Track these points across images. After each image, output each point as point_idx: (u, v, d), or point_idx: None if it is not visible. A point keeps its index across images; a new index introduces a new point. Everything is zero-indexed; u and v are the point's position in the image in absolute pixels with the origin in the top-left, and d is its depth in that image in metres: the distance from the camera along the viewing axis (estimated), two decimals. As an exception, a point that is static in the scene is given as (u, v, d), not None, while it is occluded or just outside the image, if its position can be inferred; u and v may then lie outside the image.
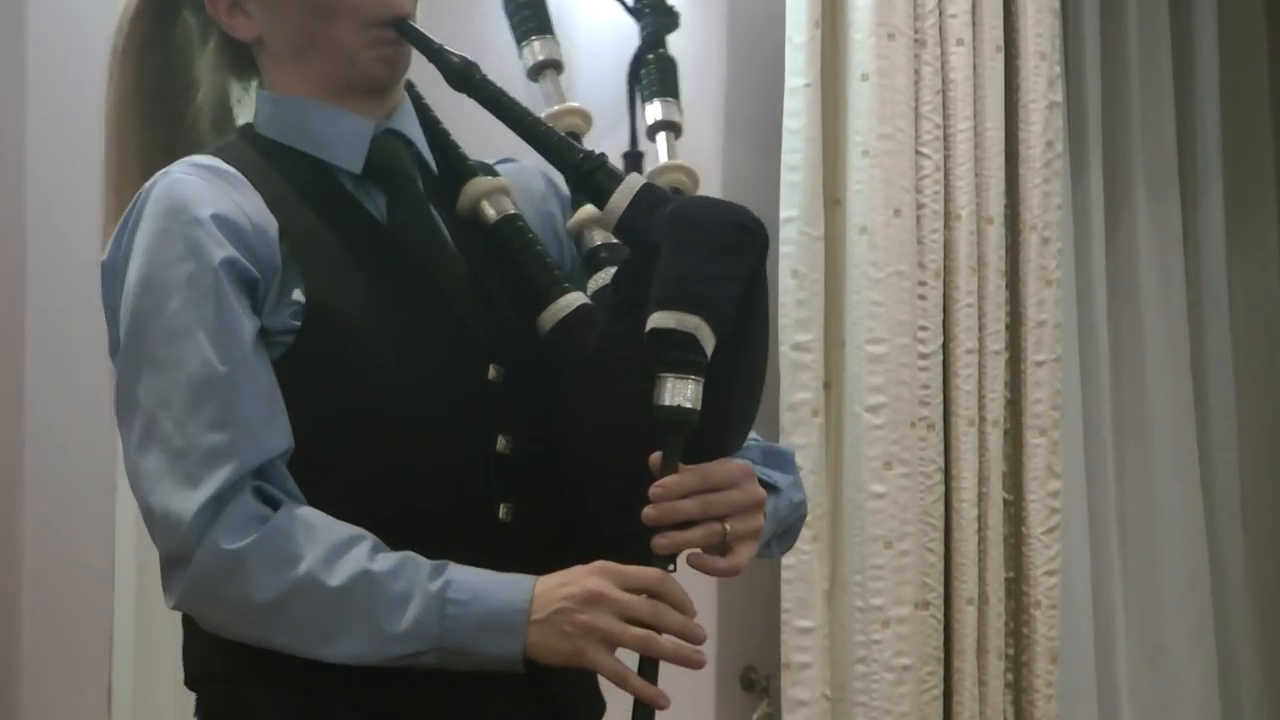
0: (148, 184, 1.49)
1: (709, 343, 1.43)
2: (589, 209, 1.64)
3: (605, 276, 1.60)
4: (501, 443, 1.51)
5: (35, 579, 2.36)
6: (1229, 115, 3.61)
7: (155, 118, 1.60)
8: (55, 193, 2.38)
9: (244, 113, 1.63)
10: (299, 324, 1.45)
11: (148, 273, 1.44)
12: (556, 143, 1.57)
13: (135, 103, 1.60)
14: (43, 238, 2.39)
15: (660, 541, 1.43)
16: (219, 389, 1.41)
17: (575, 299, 1.55)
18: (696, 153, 2.95)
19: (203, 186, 1.47)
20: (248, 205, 1.48)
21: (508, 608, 1.40)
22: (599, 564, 1.42)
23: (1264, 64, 3.71)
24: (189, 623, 1.50)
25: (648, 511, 1.43)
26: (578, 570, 1.42)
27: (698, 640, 1.43)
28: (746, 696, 2.94)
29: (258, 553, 1.38)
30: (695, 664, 1.43)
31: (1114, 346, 3.40)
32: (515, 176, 1.67)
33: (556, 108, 1.68)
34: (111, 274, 1.49)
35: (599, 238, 1.64)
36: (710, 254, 1.46)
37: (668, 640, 1.41)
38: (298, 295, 1.46)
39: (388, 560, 1.40)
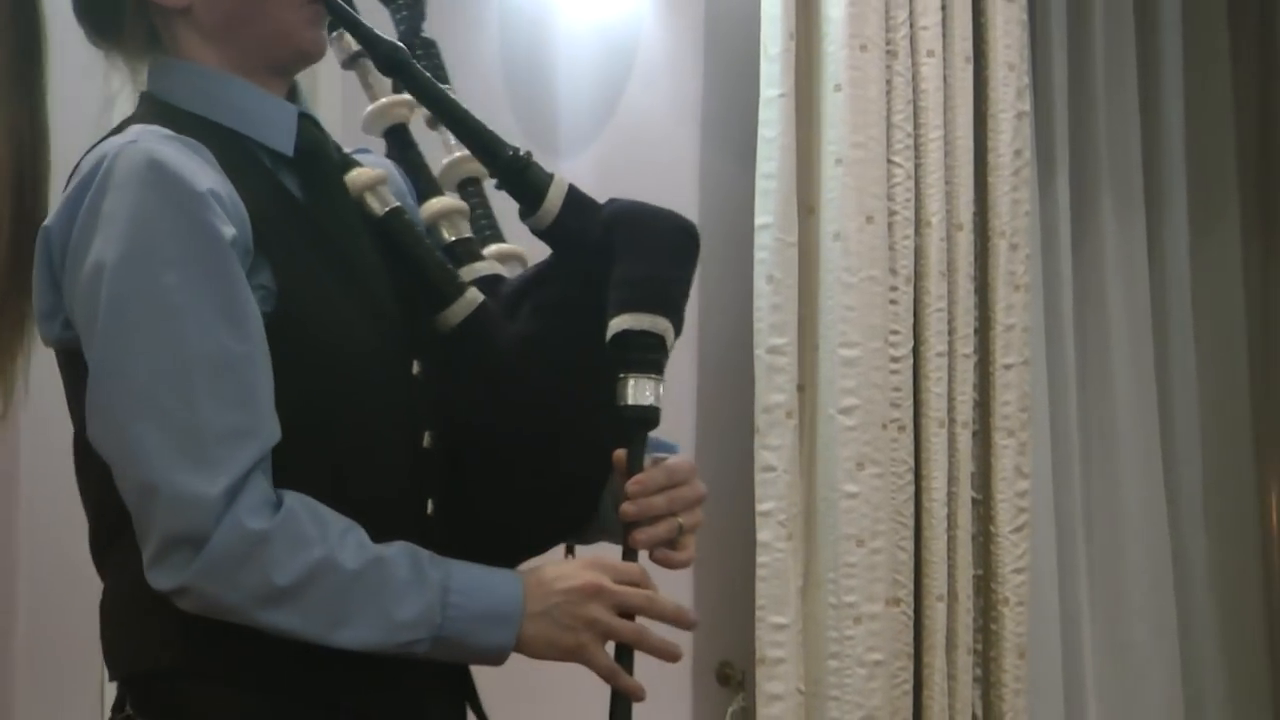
0: (109, 150, 1.39)
1: (672, 343, 1.46)
2: (439, 202, 1.62)
3: (468, 273, 1.57)
4: (427, 438, 1.50)
5: (30, 575, 2.35)
6: (1193, 125, 3.64)
7: (23, 75, 1.53)
8: (55, 183, 2.38)
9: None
10: (268, 309, 1.40)
11: (132, 245, 1.35)
12: (486, 137, 1.52)
13: None
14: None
15: (640, 536, 1.45)
16: (239, 367, 1.36)
17: (477, 296, 1.53)
18: (673, 160, 3.01)
19: (186, 160, 1.39)
20: (225, 182, 1.41)
21: (507, 600, 1.40)
22: (590, 558, 1.45)
23: (1227, 76, 3.74)
24: (125, 614, 1.44)
25: (626, 508, 1.45)
26: (570, 564, 1.44)
27: (692, 623, 1.46)
28: (722, 690, 2.96)
29: (282, 533, 1.34)
30: (673, 657, 1.45)
31: (1080, 350, 3.42)
32: (381, 168, 1.61)
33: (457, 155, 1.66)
34: (60, 240, 1.39)
35: (450, 234, 1.61)
36: (670, 258, 1.48)
37: (655, 635, 1.44)
38: (266, 280, 1.41)
39: (391, 547, 1.39)
